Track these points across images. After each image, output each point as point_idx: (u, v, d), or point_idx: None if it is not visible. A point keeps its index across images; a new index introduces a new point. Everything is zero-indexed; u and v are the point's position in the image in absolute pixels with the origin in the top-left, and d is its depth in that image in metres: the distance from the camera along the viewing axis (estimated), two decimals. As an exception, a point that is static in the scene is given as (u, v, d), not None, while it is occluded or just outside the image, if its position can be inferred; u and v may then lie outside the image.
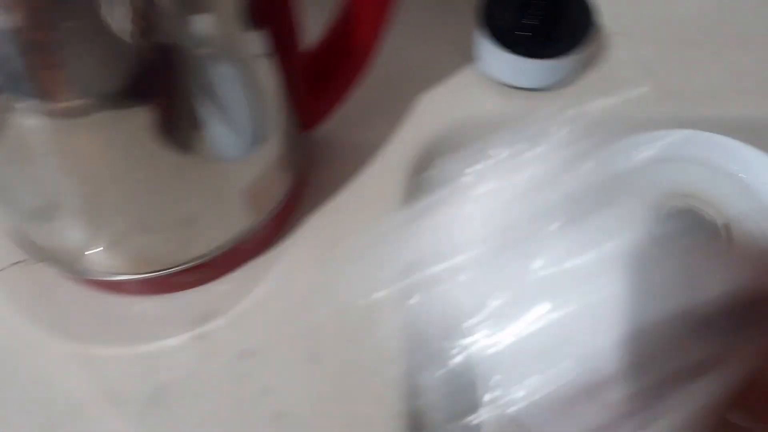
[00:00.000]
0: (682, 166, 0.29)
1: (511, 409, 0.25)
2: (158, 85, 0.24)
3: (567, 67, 0.39)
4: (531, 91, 0.40)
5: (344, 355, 0.32)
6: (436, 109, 0.40)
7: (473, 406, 0.39)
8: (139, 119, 0.24)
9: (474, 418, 0.28)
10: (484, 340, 0.35)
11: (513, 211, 0.30)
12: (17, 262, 0.34)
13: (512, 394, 0.25)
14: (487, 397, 0.26)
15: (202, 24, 0.24)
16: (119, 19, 0.21)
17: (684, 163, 0.29)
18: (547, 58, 0.37)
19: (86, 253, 0.31)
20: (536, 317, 0.27)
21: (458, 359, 0.38)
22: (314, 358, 0.32)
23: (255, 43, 0.27)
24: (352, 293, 0.34)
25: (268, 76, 0.28)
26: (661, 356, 0.24)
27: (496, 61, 0.39)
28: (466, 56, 0.41)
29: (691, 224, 0.28)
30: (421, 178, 0.39)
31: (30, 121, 0.23)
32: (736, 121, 0.40)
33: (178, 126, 0.26)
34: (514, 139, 0.35)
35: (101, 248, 0.30)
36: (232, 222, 0.31)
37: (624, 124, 0.39)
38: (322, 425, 0.31)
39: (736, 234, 0.27)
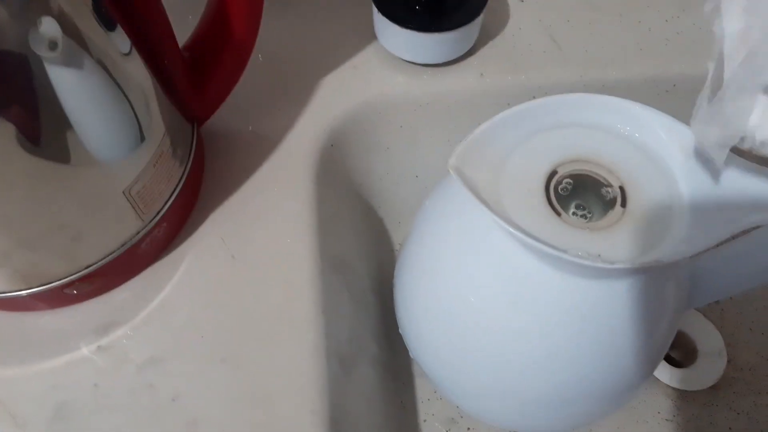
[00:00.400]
0: (576, 131, 0.29)
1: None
2: (15, 93, 0.22)
3: (467, 39, 0.38)
4: (434, 67, 0.40)
5: (256, 354, 0.31)
6: (338, 91, 0.39)
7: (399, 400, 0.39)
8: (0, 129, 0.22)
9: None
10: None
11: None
12: None
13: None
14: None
15: (52, 26, 0.22)
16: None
17: (577, 127, 0.29)
18: (444, 31, 0.36)
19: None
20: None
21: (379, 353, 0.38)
22: (225, 360, 0.31)
23: (118, 41, 0.25)
24: (260, 290, 0.33)
25: (138, 73, 0.27)
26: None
27: (395, 38, 0.38)
28: (365, 34, 0.40)
29: (587, 189, 0.27)
30: (331, 166, 0.38)
31: None
32: (641, 82, 0.41)
33: (46, 133, 0.24)
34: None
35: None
36: (118, 226, 0.29)
37: (527, 92, 0.39)
38: (239, 427, 0.30)
39: (632, 196, 0.27)
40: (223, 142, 0.37)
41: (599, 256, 0.25)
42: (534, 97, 0.39)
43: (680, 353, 0.43)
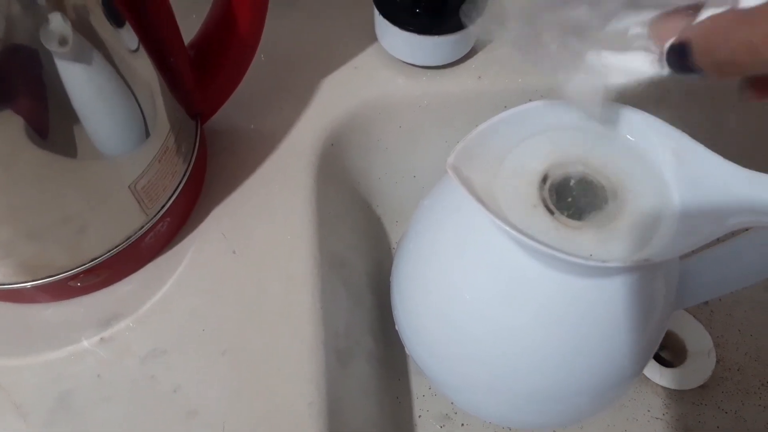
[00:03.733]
0: (570, 133, 0.30)
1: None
2: (25, 87, 0.23)
3: (465, 42, 0.39)
4: (433, 69, 0.40)
5: (255, 346, 0.32)
6: (339, 91, 0.40)
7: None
8: (10, 122, 0.23)
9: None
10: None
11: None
12: None
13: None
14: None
15: (63, 23, 0.23)
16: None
17: (572, 129, 0.30)
18: (443, 34, 0.37)
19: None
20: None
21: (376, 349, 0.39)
22: (225, 352, 0.31)
23: (126, 38, 0.26)
24: (260, 284, 0.33)
25: (145, 69, 0.27)
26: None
27: (395, 39, 0.38)
28: (367, 35, 0.41)
29: (580, 190, 0.28)
30: (330, 165, 0.39)
31: None
32: (635, 87, 0.41)
33: (54, 127, 0.25)
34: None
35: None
36: (123, 220, 0.30)
37: (524, 95, 0.40)
38: (238, 418, 0.30)
39: (623, 197, 0.28)
40: (226, 139, 0.38)
41: (591, 255, 0.26)
42: (531, 100, 0.41)
43: (670, 353, 0.44)
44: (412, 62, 0.40)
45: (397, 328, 0.37)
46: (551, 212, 0.27)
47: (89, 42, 0.24)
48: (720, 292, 0.33)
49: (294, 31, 0.42)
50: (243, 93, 0.36)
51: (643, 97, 0.42)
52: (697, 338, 0.43)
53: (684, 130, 0.44)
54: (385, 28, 0.38)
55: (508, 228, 0.25)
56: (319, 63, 0.41)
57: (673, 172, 0.28)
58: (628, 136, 0.30)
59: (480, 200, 0.26)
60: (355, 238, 0.42)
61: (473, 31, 0.37)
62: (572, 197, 0.28)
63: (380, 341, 0.40)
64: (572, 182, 0.28)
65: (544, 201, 0.28)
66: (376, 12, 0.38)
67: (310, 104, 0.39)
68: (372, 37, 0.41)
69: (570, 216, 0.27)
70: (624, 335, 0.30)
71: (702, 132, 0.44)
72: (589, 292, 0.28)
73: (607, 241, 0.26)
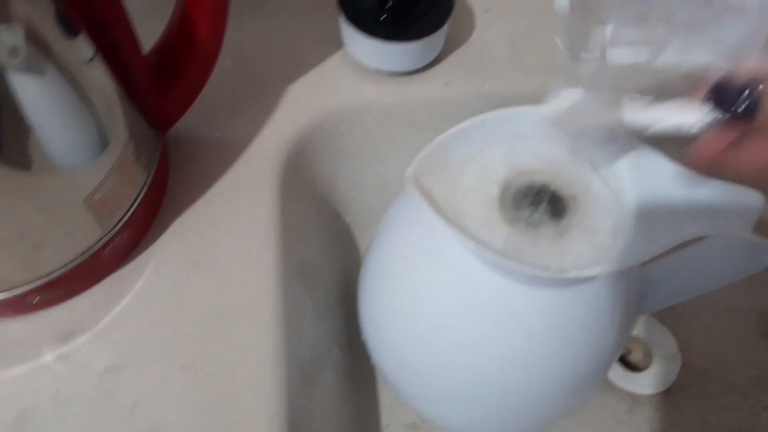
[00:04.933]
0: (530, 142, 0.30)
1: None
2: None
3: (432, 48, 0.39)
4: (400, 75, 0.40)
5: (216, 361, 0.31)
6: (304, 99, 0.40)
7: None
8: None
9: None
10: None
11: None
12: None
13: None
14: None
15: (13, 34, 0.22)
16: None
17: (532, 138, 0.30)
18: (409, 40, 0.37)
19: None
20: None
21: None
22: (185, 367, 0.31)
23: (81, 47, 0.25)
24: (222, 296, 0.33)
25: (101, 79, 0.27)
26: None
27: (361, 46, 0.38)
28: (333, 42, 0.41)
29: (539, 199, 0.28)
30: (296, 173, 0.39)
31: None
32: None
33: (5, 140, 0.24)
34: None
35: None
36: (79, 233, 0.29)
37: (491, 101, 0.40)
38: (200, 433, 0.30)
39: (581, 205, 0.28)
40: (189, 147, 0.37)
41: (550, 264, 0.26)
42: (497, 107, 0.41)
43: (636, 357, 0.44)
44: (378, 68, 0.39)
45: (363, 338, 0.37)
46: (511, 222, 0.27)
47: (41, 52, 0.24)
48: (683, 298, 0.33)
49: (259, 37, 0.42)
50: (207, 100, 0.36)
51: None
52: (662, 342, 0.43)
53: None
54: (350, 35, 0.38)
55: (465, 239, 0.25)
56: (285, 69, 0.40)
57: (631, 179, 0.28)
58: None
59: (439, 210, 0.26)
60: (323, 247, 0.42)
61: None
62: (532, 206, 0.28)
63: (347, 351, 0.40)
64: (532, 191, 0.28)
65: (503, 211, 0.28)
66: (342, 18, 0.38)
67: (275, 111, 0.39)
68: (338, 43, 0.41)
69: (529, 225, 0.27)
70: (586, 342, 0.30)
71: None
72: (550, 301, 0.28)
73: (566, 250, 0.27)
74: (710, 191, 0.26)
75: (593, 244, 0.27)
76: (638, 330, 0.44)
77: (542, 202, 0.28)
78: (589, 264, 0.26)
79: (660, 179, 0.27)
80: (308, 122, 0.39)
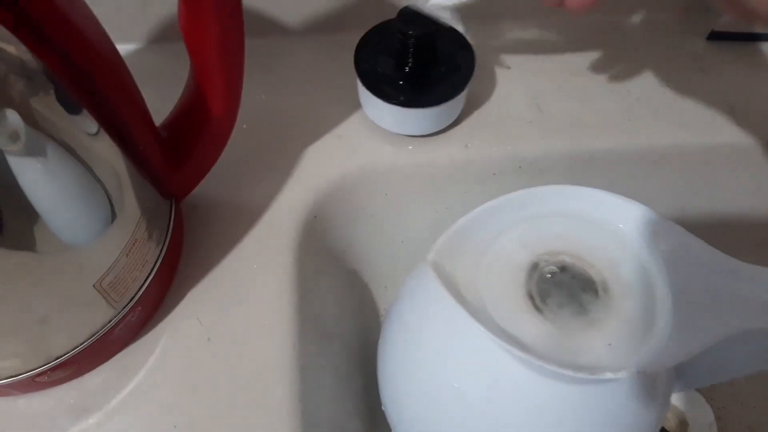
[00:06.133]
0: (558, 221, 0.28)
1: None
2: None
3: (452, 112, 0.38)
4: (420, 137, 0.39)
5: (230, 445, 0.30)
6: (322, 161, 0.39)
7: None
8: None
9: None
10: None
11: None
12: None
13: None
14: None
15: (12, 118, 0.21)
16: None
17: (559, 217, 0.28)
18: (428, 106, 0.36)
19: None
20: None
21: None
22: (198, 451, 0.30)
23: (83, 125, 0.25)
24: (236, 375, 0.32)
25: (106, 157, 0.26)
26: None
27: (379, 111, 0.37)
28: (351, 103, 0.40)
29: (569, 283, 0.27)
30: (313, 237, 0.38)
31: None
32: (629, 153, 0.40)
33: (10, 228, 0.23)
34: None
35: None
36: (90, 316, 0.28)
37: (513, 163, 0.39)
38: None
39: (614, 291, 0.26)
40: (203, 213, 0.36)
41: (580, 364, 0.24)
42: (520, 168, 0.39)
43: (669, 425, 0.42)
44: (397, 132, 0.38)
45: (383, 409, 0.35)
46: (538, 310, 0.26)
47: (43, 134, 0.23)
48: (719, 380, 0.31)
49: (275, 99, 0.41)
50: (222, 163, 0.35)
51: (638, 162, 0.41)
52: (698, 411, 0.41)
53: (680, 192, 0.43)
54: (368, 99, 0.37)
55: (492, 336, 0.24)
56: (302, 131, 0.40)
57: (669, 266, 0.26)
58: (620, 225, 0.28)
59: (461, 300, 0.25)
60: (341, 310, 0.40)
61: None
62: (560, 291, 0.27)
63: (367, 420, 0.38)
64: (560, 275, 0.27)
65: (530, 296, 0.26)
66: (359, 82, 0.37)
67: (292, 175, 0.38)
68: (356, 105, 0.40)
69: (557, 313, 0.26)
70: (618, 434, 0.28)
71: (700, 194, 0.43)
72: (579, 395, 0.26)
73: (598, 343, 0.25)
74: (752, 281, 0.24)
75: (627, 337, 0.25)
76: (672, 397, 0.42)
77: (571, 286, 0.27)
78: (624, 359, 0.24)
79: (699, 266, 0.25)
80: (326, 185, 0.38)
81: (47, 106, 0.23)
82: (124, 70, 0.28)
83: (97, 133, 0.26)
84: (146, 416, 0.30)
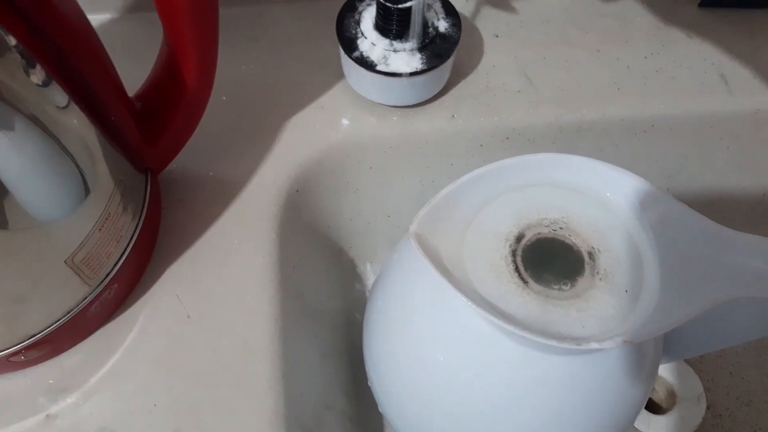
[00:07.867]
0: (543, 191, 0.28)
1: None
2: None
3: (437, 81, 0.37)
4: (405, 108, 0.38)
5: (211, 423, 0.29)
6: (304, 133, 0.38)
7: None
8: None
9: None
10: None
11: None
12: None
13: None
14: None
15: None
16: None
17: (545, 186, 0.28)
18: (413, 74, 0.35)
19: None
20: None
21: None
22: (178, 431, 0.29)
23: (55, 98, 0.24)
24: (217, 351, 0.31)
25: (77, 129, 0.25)
26: None
27: (363, 80, 0.36)
28: (333, 73, 0.39)
29: (555, 254, 0.26)
30: (296, 212, 0.37)
31: None
32: (617, 122, 0.39)
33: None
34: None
35: None
36: (63, 293, 0.27)
37: (500, 134, 0.38)
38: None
39: (601, 261, 0.26)
40: (182, 189, 0.35)
41: (566, 335, 0.23)
42: (507, 139, 0.38)
43: (658, 396, 0.42)
44: (381, 102, 0.37)
45: (369, 385, 0.35)
46: (524, 280, 0.25)
47: (9, 107, 0.22)
48: (707, 350, 0.31)
49: (256, 70, 0.40)
50: (202, 137, 0.34)
51: (626, 132, 0.40)
52: (687, 382, 0.41)
53: (670, 162, 0.42)
54: (351, 68, 0.36)
55: (473, 305, 0.23)
56: (284, 103, 0.38)
57: (656, 235, 0.26)
58: (607, 194, 0.28)
59: (444, 272, 0.24)
60: (326, 286, 0.40)
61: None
62: (546, 262, 0.26)
63: (353, 398, 0.38)
64: (547, 245, 0.26)
65: (515, 266, 0.26)
66: (342, 51, 0.36)
67: (274, 147, 0.37)
68: (339, 75, 0.39)
69: (543, 283, 0.25)
70: (605, 406, 0.28)
71: (689, 165, 0.42)
72: (566, 366, 0.26)
73: (585, 314, 0.24)
74: (743, 249, 0.24)
75: (614, 306, 0.25)
76: (660, 369, 0.41)
77: (557, 257, 0.26)
78: (610, 329, 0.24)
79: (688, 235, 0.25)
80: (309, 158, 0.37)
81: (13, 78, 0.22)
82: (95, 39, 0.27)
83: (66, 106, 0.24)
84: (125, 395, 0.30)
